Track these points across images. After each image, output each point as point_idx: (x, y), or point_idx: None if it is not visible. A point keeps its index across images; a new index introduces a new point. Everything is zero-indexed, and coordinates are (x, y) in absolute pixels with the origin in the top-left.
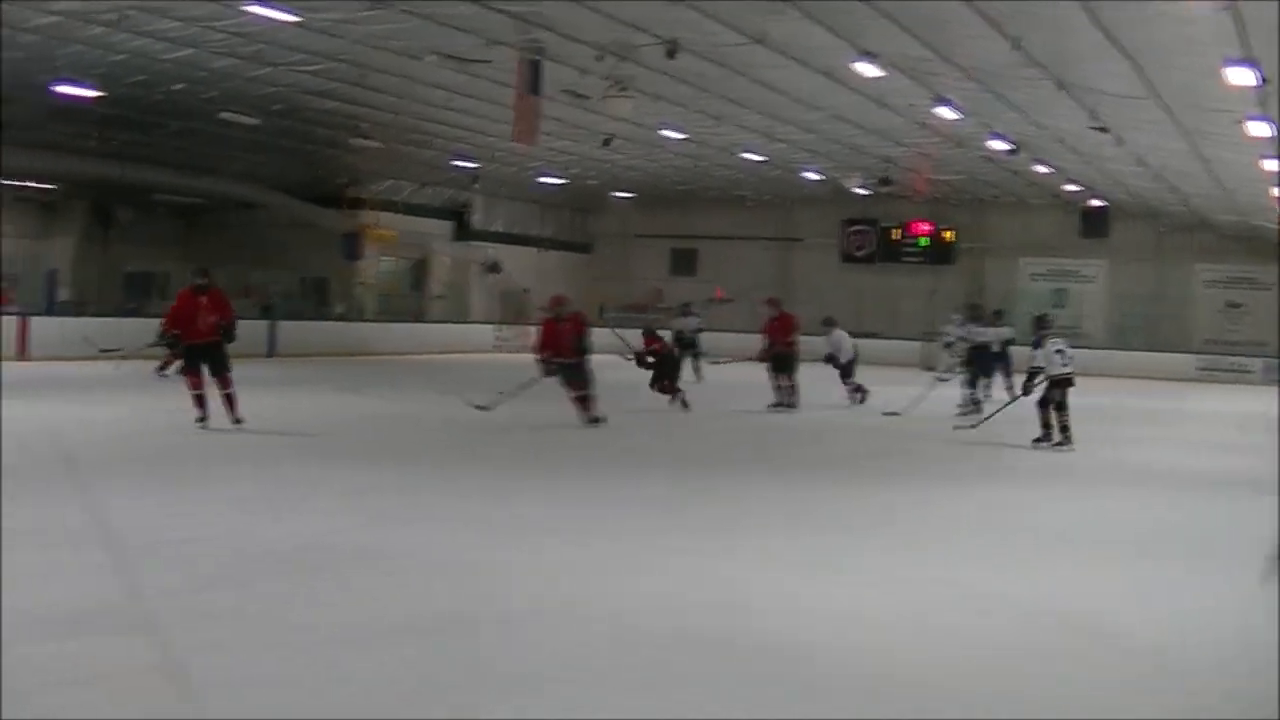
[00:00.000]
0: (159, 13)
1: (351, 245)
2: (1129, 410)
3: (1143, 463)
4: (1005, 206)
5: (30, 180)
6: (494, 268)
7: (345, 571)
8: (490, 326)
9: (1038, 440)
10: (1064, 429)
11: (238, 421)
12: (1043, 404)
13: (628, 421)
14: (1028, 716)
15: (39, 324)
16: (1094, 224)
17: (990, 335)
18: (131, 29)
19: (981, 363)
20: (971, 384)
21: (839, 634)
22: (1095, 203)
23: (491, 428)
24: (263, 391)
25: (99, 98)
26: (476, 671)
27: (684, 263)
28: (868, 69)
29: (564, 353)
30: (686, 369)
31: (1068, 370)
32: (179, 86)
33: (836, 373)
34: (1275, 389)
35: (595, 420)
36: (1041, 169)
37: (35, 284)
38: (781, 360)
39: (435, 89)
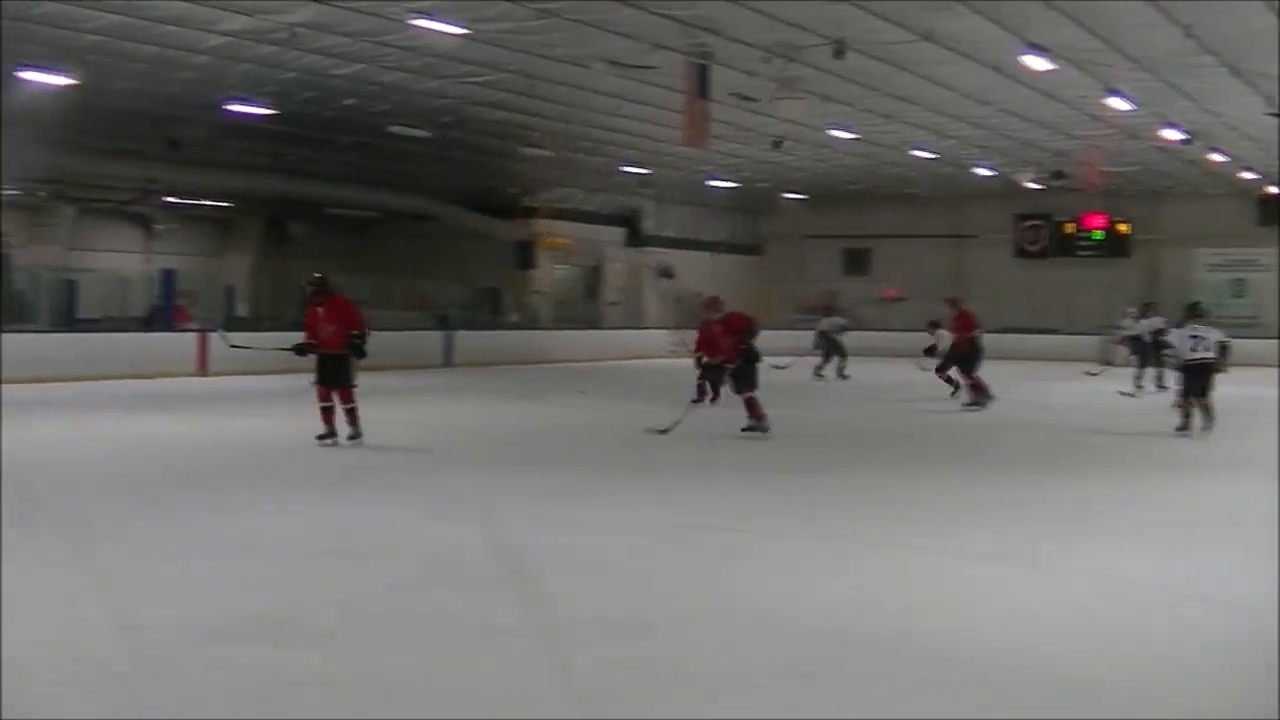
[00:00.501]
0: (328, 29)
1: (525, 254)
2: None
3: None
4: (1180, 197)
5: (205, 198)
6: (667, 273)
7: (534, 574)
8: (665, 331)
9: (1182, 429)
10: (1205, 411)
11: (352, 438)
12: (1184, 393)
13: (809, 421)
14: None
15: (218, 340)
16: (1272, 212)
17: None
18: (301, 46)
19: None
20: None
21: (1022, 633)
22: (1273, 190)
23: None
24: (441, 400)
25: (271, 115)
26: (666, 673)
27: (857, 262)
28: (1037, 62)
29: (721, 354)
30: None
31: (1196, 356)
32: (349, 101)
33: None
34: None
35: (748, 428)
36: (1217, 157)
37: (214, 301)
38: (963, 360)
39: (603, 96)
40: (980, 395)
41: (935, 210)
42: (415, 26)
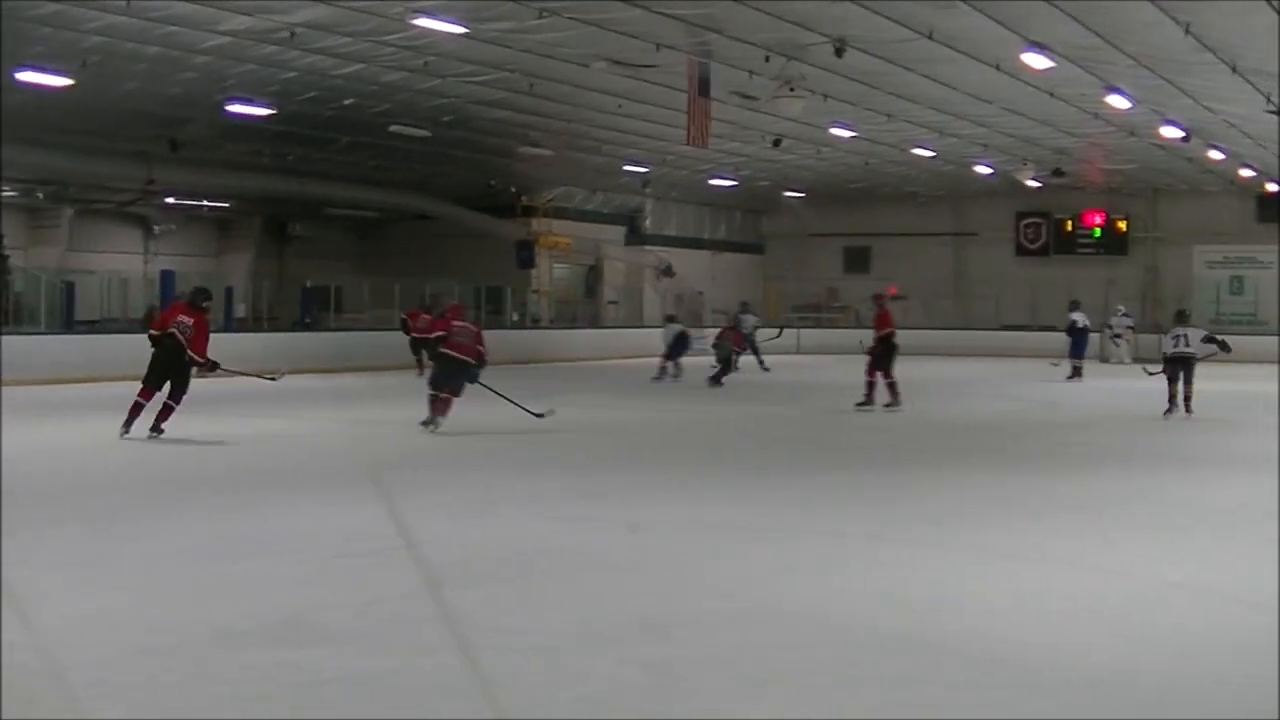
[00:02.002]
0: (329, 29)
1: (525, 253)
2: None
3: None
4: (1179, 194)
5: (204, 198)
6: (667, 271)
7: (556, 575)
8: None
9: (1167, 412)
10: (1186, 399)
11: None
12: (1169, 380)
13: (830, 421)
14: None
15: (217, 341)
16: (1271, 209)
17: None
18: (302, 46)
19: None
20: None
21: (1050, 631)
22: (1272, 187)
23: (678, 429)
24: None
25: (271, 115)
26: (695, 673)
27: (858, 260)
28: (1037, 60)
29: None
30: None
31: (1176, 350)
32: (349, 101)
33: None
34: None
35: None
36: (1216, 155)
37: (214, 301)
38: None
39: (604, 95)
40: (892, 395)
41: (936, 208)
42: (416, 26)
